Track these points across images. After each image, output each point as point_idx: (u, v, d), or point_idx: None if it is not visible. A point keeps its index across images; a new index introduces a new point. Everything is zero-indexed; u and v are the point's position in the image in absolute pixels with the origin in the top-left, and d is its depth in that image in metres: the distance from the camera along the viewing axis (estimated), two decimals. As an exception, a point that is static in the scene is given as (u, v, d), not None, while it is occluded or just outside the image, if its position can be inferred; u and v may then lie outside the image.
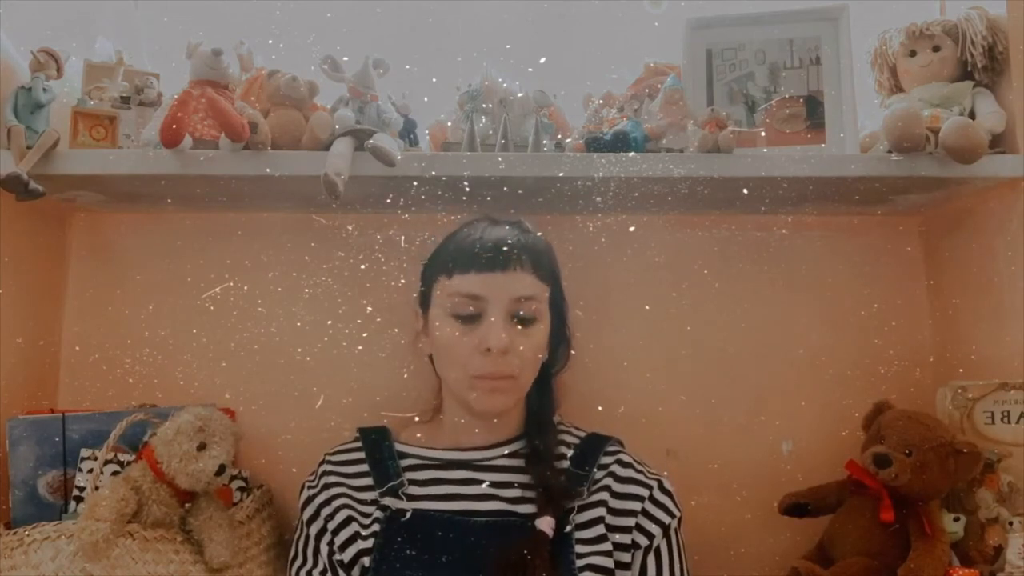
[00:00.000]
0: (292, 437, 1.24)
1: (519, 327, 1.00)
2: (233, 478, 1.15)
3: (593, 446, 1.05)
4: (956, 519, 1.07)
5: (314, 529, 1.00)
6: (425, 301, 1.07)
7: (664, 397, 1.27)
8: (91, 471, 1.01)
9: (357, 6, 1.26)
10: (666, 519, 0.99)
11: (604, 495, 0.99)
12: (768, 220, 1.32)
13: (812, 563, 1.07)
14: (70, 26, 1.21)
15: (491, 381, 0.99)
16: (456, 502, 0.99)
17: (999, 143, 1.12)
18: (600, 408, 1.21)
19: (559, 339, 1.11)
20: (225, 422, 1.03)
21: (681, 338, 1.29)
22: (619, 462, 1.03)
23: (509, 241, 1.01)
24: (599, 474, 1.01)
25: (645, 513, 0.99)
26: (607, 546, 0.96)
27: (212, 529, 1.00)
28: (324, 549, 0.99)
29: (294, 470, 1.13)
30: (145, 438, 1.06)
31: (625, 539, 0.97)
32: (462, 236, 1.04)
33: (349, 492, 1.01)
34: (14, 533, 0.95)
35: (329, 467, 1.04)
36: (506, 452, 1.04)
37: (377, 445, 1.05)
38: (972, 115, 1.13)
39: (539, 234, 1.08)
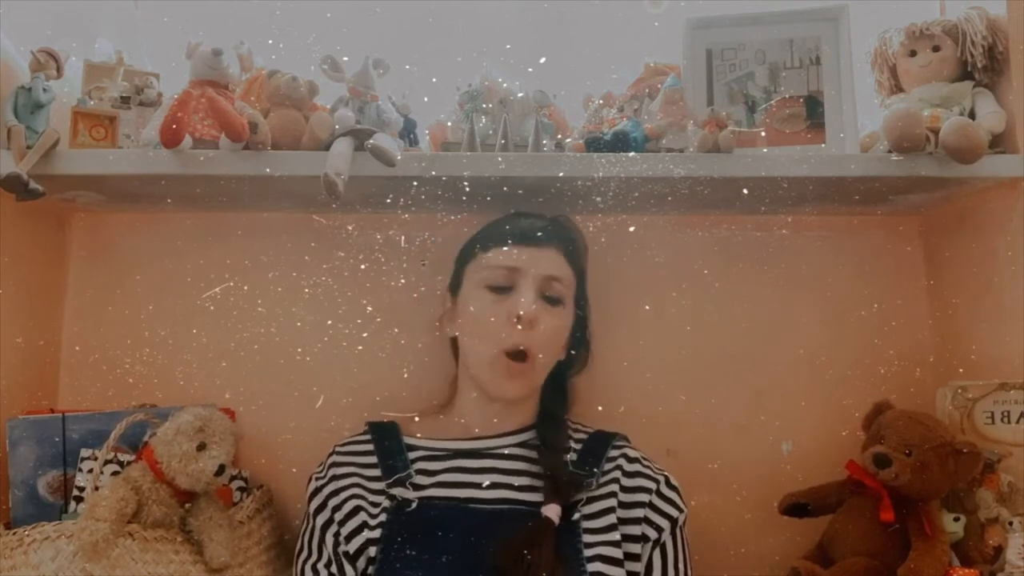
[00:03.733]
0: (292, 437, 1.24)
1: (547, 305, 1.04)
2: (233, 478, 1.15)
3: (600, 441, 1.06)
4: (956, 519, 1.07)
5: (320, 520, 1.01)
6: (457, 283, 1.10)
7: (664, 397, 1.27)
8: (91, 471, 1.01)
9: (357, 6, 1.26)
10: (674, 513, 1.00)
11: (613, 487, 1.01)
12: (768, 220, 1.32)
13: (812, 563, 1.07)
14: (70, 26, 1.21)
15: (512, 363, 1.01)
16: (464, 490, 1.00)
17: (999, 143, 1.12)
18: (600, 408, 1.21)
19: (579, 341, 1.14)
20: (225, 422, 1.03)
21: (681, 338, 1.29)
22: (625, 456, 1.05)
23: (547, 223, 1.09)
24: (607, 466, 1.03)
25: (652, 506, 1.00)
26: (616, 536, 0.97)
27: (212, 529, 1.00)
28: (330, 540, 0.99)
29: (294, 470, 1.13)
30: (145, 438, 1.06)
31: (635, 531, 0.98)
32: (501, 219, 1.11)
33: (358, 482, 1.02)
34: (14, 533, 0.95)
35: (339, 457, 1.05)
36: (515, 442, 1.05)
37: (387, 438, 1.06)
38: (972, 115, 1.13)
39: (577, 228, 1.13)
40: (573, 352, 1.13)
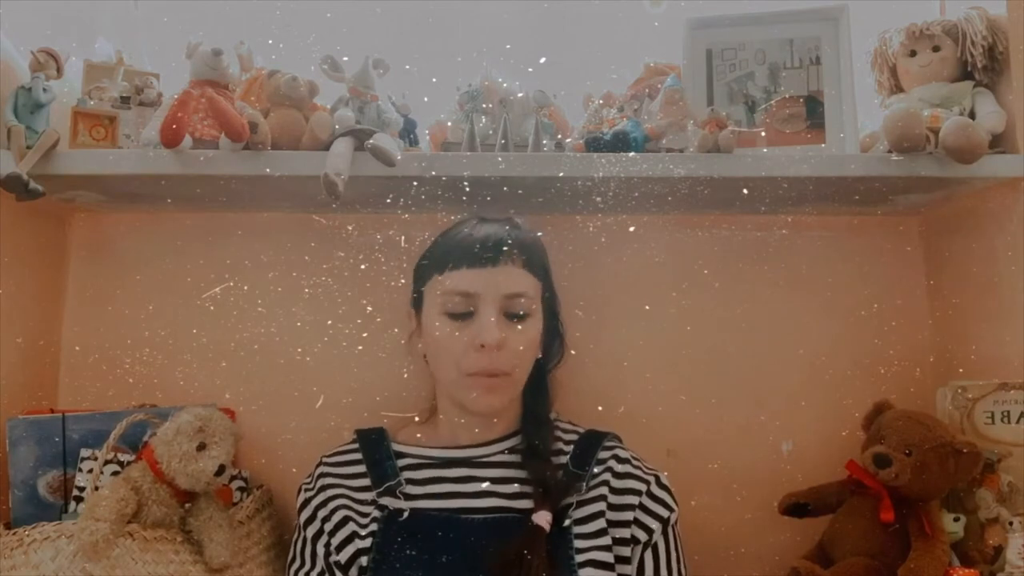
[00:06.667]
0: (292, 437, 1.24)
1: (512, 323, 1.00)
2: (233, 478, 1.15)
3: (591, 442, 1.05)
4: (956, 519, 1.07)
5: (311, 531, 1.00)
6: (418, 301, 1.07)
7: (664, 397, 1.27)
8: (91, 471, 1.01)
9: (357, 6, 1.26)
10: (664, 513, 0.99)
11: (603, 490, 1.00)
12: (768, 220, 1.32)
13: (812, 563, 1.07)
14: (70, 26, 1.21)
15: (486, 379, 0.98)
16: (454, 500, 0.99)
17: (999, 143, 1.12)
18: (600, 408, 1.20)
19: (553, 335, 1.12)
20: (225, 422, 1.03)
21: (681, 338, 1.28)
22: (616, 457, 1.03)
23: (500, 237, 1.01)
24: (597, 469, 1.01)
25: (643, 508, 0.99)
26: (607, 540, 0.96)
27: (212, 529, 1.00)
28: (320, 551, 0.99)
29: (294, 470, 1.13)
30: (145, 438, 1.06)
31: (624, 533, 0.97)
32: (453, 234, 1.05)
33: (346, 492, 1.01)
34: (14, 533, 0.95)
35: (326, 468, 1.05)
36: (503, 449, 1.04)
37: (374, 446, 1.05)
38: (972, 115, 1.13)
39: (530, 230, 1.08)
40: (548, 349, 1.11)
